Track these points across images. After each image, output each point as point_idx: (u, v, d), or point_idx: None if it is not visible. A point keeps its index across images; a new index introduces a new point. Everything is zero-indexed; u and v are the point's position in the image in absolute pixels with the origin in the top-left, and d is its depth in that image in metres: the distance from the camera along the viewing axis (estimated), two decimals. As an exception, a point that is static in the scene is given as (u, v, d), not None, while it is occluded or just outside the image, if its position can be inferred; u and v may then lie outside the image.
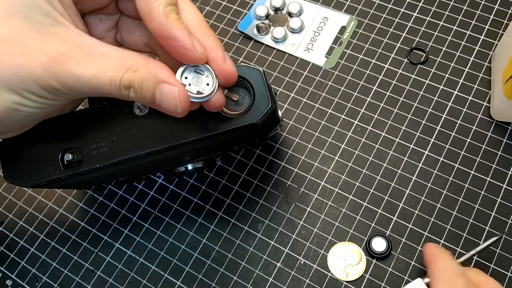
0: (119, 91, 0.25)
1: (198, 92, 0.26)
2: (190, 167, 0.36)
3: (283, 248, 0.36)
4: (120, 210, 0.39)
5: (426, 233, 0.35)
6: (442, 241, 0.35)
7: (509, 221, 0.35)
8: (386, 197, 0.37)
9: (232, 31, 0.45)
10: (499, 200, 0.35)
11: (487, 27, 0.41)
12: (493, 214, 0.35)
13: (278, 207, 0.37)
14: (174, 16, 0.25)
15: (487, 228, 0.35)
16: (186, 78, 0.26)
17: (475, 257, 0.34)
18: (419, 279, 0.30)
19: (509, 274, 0.33)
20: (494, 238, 0.32)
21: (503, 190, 0.36)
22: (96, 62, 0.25)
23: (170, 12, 0.25)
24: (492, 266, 0.34)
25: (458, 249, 0.34)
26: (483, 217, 0.35)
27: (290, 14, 0.44)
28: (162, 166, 0.35)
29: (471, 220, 0.35)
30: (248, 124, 0.29)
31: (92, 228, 0.38)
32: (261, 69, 0.30)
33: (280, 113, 0.36)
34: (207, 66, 0.26)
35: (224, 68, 0.26)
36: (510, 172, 0.36)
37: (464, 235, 0.35)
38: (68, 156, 0.30)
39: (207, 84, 0.26)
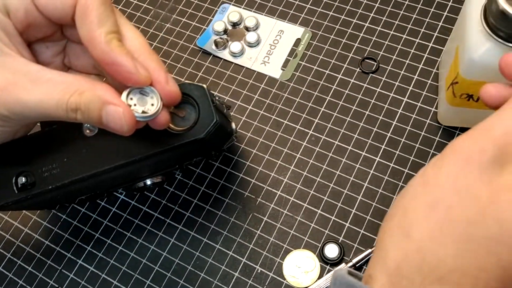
0: (66, 114, 0.26)
1: (143, 112, 0.27)
2: (149, 182, 0.37)
3: (240, 258, 0.37)
4: (83, 227, 0.40)
5: (376, 237, 0.36)
6: (393, 245, 0.36)
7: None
8: (339, 204, 0.38)
9: (192, 47, 0.46)
10: (447, 203, 0.37)
11: (435, 34, 0.43)
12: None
13: (236, 218, 0.38)
14: (116, 43, 0.26)
15: (436, 230, 0.36)
16: (131, 99, 0.27)
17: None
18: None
19: None
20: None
21: (450, 193, 0.37)
22: (43, 88, 0.26)
23: (111, 39, 0.26)
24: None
25: (408, 252, 0.36)
26: (432, 220, 0.36)
27: (247, 29, 0.46)
28: (119, 183, 0.36)
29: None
30: (194, 139, 0.30)
31: (56, 246, 0.39)
32: (204, 86, 0.31)
33: (233, 125, 0.37)
34: (152, 87, 0.27)
35: (167, 89, 0.28)
36: (457, 175, 0.37)
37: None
38: (22, 179, 0.31)
39: (152, 105, 0.27)
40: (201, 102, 0.31)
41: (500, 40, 0.30)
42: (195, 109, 0.31)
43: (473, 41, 0.31)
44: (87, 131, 0.31)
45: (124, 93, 0.27)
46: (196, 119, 0.30)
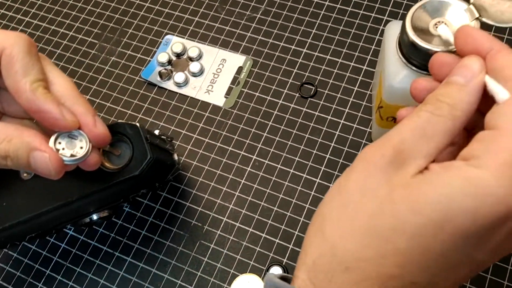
0: None
1: (72, 155, 0.28)
2: (95, 217, 0.37)
3: (189, 286, 0.38)
4: (33, 264, 0.40)
5: (319, 258, 0.38)
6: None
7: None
8: (283, 227, 0.39)
9: (137, 79, 0.47)
10: (383, 219, 0.38)
11: (369, 57, 0.45)
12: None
13: (184, 246, 0.39)
14: (42, 90, 0.27)
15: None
16: (59, 143, 0.28)
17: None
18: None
19: None
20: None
21: (386, 210, 0.39)
22: None
23: (37, 87, 0.27)
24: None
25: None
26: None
27: (190, 59, 0.47)
28: (64, 221, 0.37)
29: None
30: (129, 176, 0.31)
31: (8, 284, 0.39)
32: (138, 124, 0.32)
33: (176, 156, 0.38)
34: (80, 131, 0.28)
35: (95, 131, 0.29)
36: (392, 193, 0.39)
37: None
38: (-39, 225, 0.31)
39: (81, 147, 0.28)
40: (135, 140, 0.32)
41: (414, 68, 0.32)
42: (130, 147, 0.32)
43: (392, 69, 0.33)
44: (24, 174, 0.32)
45: (52, 138, 0.28)
46: (130, 157, 0.32)
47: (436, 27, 0.31)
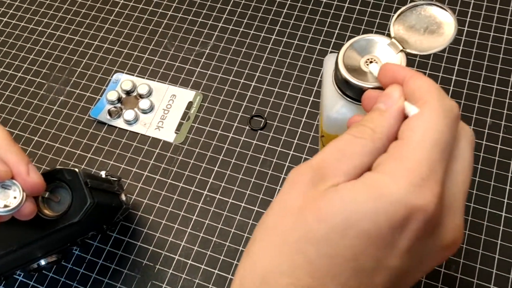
0: None
1: (5, 206, 0.27)
2: (43, 262, 0.36)
3: (140, 330, 0.37)
4: (-23, 316, 0.38)
5: (271, 292, 0.37)
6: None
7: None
8: (235, 262, 0.39)
9: (87, 118, 0.47)
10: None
11: (315, 88, 0.46)
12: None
13: (135, 288, 0.38)
14: None
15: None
16: None
17: None
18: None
19: None
20: None
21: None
22: None
23: None
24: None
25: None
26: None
27: (140, 96, 0.47)
28: (10, 268, 0.36)
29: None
30: (70, 223, 0.31)
31: None
32: (76, 170, 0.32)
33: (123, 197, 0.38)
34: (13, 180, 0.28)
35: (28, 180, 0.28)
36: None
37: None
38: None
39: (14, 197, 0.28)
40: (74, 186, 0.31)
41: (349, 99, 0.33)
42: (69, 193, 0.31)
43: (329, 100, 0.34)
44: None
45: None
46: (70, 203, 0.31)
47: (367, 64, 0.32)
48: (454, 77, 0.45)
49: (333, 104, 0.34)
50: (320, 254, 0.21)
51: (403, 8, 0.32)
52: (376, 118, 0.24)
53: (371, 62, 0.32)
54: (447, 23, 0.32)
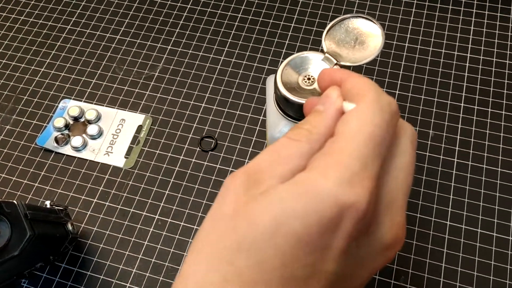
0: None
1: None
2: (-12, 298, 0.35)
3: None
4: None
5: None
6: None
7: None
8: (188, 286, 0.38)
9: (33, 146, 0.46)
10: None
11: (264, 107, 0.47)
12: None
13: (85, 319, 0.37)
14: None
15: None
16: None
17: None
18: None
19: None
20: None
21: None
22: None
23: None
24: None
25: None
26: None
27: (88, 122, 0.46)
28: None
29: None
30: (10, 257, 0.30)
31: None
32: (15, 201, 0.31)
33: (70, 226, 0.37)
34: None
35: None
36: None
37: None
38: None
39: None
40: (13, 218, 0.30)
41: (290, 119, 0.34)
42: (8, 225, 0.30)
43: (272, 120, 0.35)
44: None
45: None
46: (9, 236, 0.30)
47: (305, 81, 0.33)
48: (397, 91, 0.46)
49: (276, 124, 0.34)
50: (249, 263, 0.19)
51: (332, 23, 0.33)
52: (313, 119, 0.24)
53: (308, 79, 0.33)
54: (374, 34, 0.33)
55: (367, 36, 0.33)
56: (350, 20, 0.34)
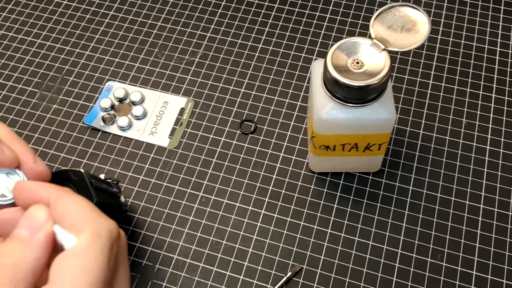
0: None
1: (3, 195, 0.28)
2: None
3: (142, 327, 0.38)
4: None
5: (268, 286, 0.39)
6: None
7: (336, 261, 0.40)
8: (233, 259, 0.40)
9: (80, 125, 0.48)
10: (326, 244, 0.41)
11: (302, 93, 0.49)
12: (322, 257, 0.40)
13: (136, 287, 0.39)
14: None
15: (332, 275, 0.40)
16: None
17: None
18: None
19: None
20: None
21: (328, 234, 0.41)
22: None
23: None
24: (324, 304, 0.39)
25: None
26: (314, 261, 0.40)
27: (133, 103, 0.48)
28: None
29: (305, 266, 0.40)
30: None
31: None
32: (82, 170, 0.33)
33: (123, 199, 0.39)
34: (18, 170, 0.28)
35: (34, 167, 0.28)
36: (332, 218, 0.42)
37: (300, 280, 0.40)
38: None
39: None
40: (80, 186, 0.32)
41: (338, 100, 0.36)
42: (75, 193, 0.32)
43: (319, 102, 0.37)
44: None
45: None
46: (77, 202, 0.32)
47: (354, 64, 0.35)
48: (432, 72, 0.48)
49: (323, 106, 0.36)
50: None
51: (380, 10, 0.35)
52: (16, 251, 0.20)
53: (357, 62, 0.35)
54: (421, 21, 0.35)
55: (414, 23, 0.35)
56: (397, 8, 0.36)
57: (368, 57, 0.35)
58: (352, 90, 0.34)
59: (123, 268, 0.22)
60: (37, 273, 0.20)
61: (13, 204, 0.27)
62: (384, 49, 0.34)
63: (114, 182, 0.39)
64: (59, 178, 0.32)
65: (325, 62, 0.35)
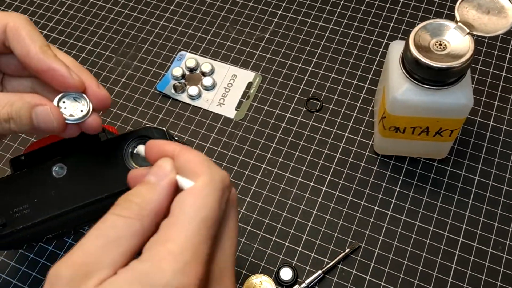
0: (1, 126, 0.28)
1: (71, 115, 0.30)
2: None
3: (202, 286, 0.40)
4: (50, 264, 0.41)
5: (326, 259, 0.40)
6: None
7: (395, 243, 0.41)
8: (292, 231, 0.42)
9: (152, 91, 0.50)
10: (385, 225, 0.41)
11: (370, 76, 0.49)
12: (381, 238, 0.41)
13: (197, 248, 0.41)
14: (50, 52, 0.29)
15: (376, 250, 0.40)
16: (64, 102, 0.30)
17: (339, 265, 0.39)
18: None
19: (368, 277, 0.39)
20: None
21: (388, 216, 0.42)
22: None
23: (46, 50, 0.29)
24: (354, 271, 0.39)
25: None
26: (373, 241, 0.41)
27: (203, 74, 0.50)
28: (87, 221, 0.39)
29: (363, 245, 0.41)
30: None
31: (24, 284, 0.41)
32: (164, 128, 0.35)
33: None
34: (83, 94, 0.30)
35: (97, 92, 0.30)
36: (393, 200, 0.42)
37: (358, 258, 0.40)
38: (-8, 221, 0.33)
39: (81, 111, 0.30)
40: None
41: (415, 82, 0.36)
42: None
43: (395, 82, 0.37)
44: (55, 173, 0.34)
45: (57, 97, 0.29)
46: (158, 158, 0.34)
47: (437, 46, 0.34)
48: None
49: (399, 86, 0.36)
50: None
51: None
52: (144, 192, 0.23)
53: (440, 44, 0.35)
54: (507, 8, 0.34)
55: (500, 9, 0.35)
56: (485, -8, 0.35)
57: (452, 39, 0.34)
58: (431, 71, 0.34)
59: (232, 219, 0.24)
60: (160, 212, 0.22)
61: (79, 124, 0.30)
62: (468, 33, 0.34)
63: (187, 145, 0.41)
64: (142, 133, 0.34)
65: (407, 41, 0.35)
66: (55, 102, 0.30)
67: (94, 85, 0.30)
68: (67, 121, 0.29)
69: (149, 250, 0.21)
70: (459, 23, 0.34)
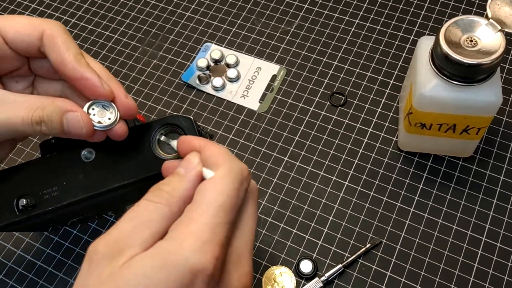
0: (32, 128, 0.30)
1: (99, 122, 0.31)
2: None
3: (222, 275, 0.40)
4: (74, 248, 0.42)
5: (346, 254, 0.40)
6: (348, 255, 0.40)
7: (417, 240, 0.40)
8: (313, 224, 0.42)
9: (177, 82, 0.50)
10: (408, 222, 0.41)
11: (396, 72, 0.48)
12: (403, 234, 0.41)
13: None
14: (84, 61, 0.30)
15: (398, 247, 0.40)
16: (93, 109, 0.31)
17: (360, 260, 0.39)
18: None
19: (388, 273, 0.39)
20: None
21: (411, 213, 0.41)
22: (8, 108, 0.30)
23: (80, 59, 0.30)
24: (374, 267, 0.39)
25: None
26: (394, 237, 0.40)
27: (228, 65, 0.50)
28: (112, 206, 0.39)
29: (384, 240, 0.40)
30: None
31: (48, 266, 0.42)
32: (191, 117, 0.35)
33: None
34: (112, 103, 0.31)
35: (125, 101, 0.31)
36: (416, 197, 0.42)
37: (379, 253, 0.40)
38: (22, 202, 0.33)
39: (109, 119, 0.31)
40: (189, 132, 0.34)
41: (444, 78, 0.35)
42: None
43: (423, 78, 0.36)
44: (84, 157, 0.34)
45: (87, 104, 0.31)
46: (184, 146, 0.34)
47: (467, 42, 0.34)
48: (533, 73, 0.46)
49: (427, 82, 0.36)
50: None
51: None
52: (174, 182, 0.26)
53: (471, 41, 0.34)
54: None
55: (535, 6, 0.34)
56: (519, -11, 0.34)
57: (483, 36, 0.34)
58: (461, 67, 0.34)
59: (251, 208, 0.26)
60: (187, 199, 0.25)
61: (105, 131, 0.31)
62: (500, 30, 0.34)
63: (210, 136, 0.41)
64: (170, 121, 0.35)
65: (438, 36, 0.34)
66: (85, 108, 0.31)
67: (122, 94, 0.31)
68: (95, 128, 0.31)
69: (173, 231, 0.24)
70: (491, 20, 0.34)
